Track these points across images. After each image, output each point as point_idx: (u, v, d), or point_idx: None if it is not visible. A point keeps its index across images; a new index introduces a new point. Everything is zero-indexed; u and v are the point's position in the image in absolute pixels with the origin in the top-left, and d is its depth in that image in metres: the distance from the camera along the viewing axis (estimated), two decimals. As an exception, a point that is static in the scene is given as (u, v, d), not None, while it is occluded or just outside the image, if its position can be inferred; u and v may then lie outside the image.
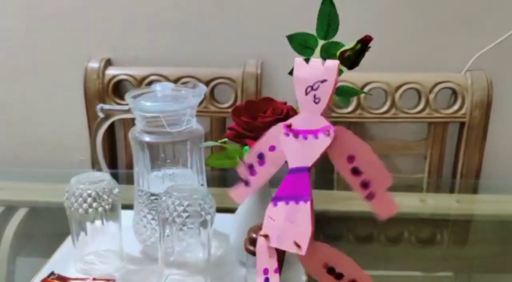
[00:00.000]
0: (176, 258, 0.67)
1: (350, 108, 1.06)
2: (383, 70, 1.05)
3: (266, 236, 0.49)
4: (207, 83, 1.07)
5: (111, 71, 1.09)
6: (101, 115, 0.74)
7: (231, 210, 0.71)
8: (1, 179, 1.05)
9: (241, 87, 1.07)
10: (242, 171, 0.51)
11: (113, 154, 1.16)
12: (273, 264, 0.51)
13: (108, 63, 1.11)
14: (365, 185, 0.45)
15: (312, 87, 0.45)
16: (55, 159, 1.18)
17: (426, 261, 0.79)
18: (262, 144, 0.50)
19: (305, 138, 0.46)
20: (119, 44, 1.11)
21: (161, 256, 0.65)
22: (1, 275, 0.75)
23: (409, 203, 0.95)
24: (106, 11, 1.09)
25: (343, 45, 0.56)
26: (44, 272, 0.68)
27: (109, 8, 1.09)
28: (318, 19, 0.56)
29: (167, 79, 1.07)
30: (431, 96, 1.05)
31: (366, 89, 1.04)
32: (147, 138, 0.70)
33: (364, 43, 0.54)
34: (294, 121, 0.47)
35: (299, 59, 0.47)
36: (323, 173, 0.97)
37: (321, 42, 0.57)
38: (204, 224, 0.63)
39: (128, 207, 0.74)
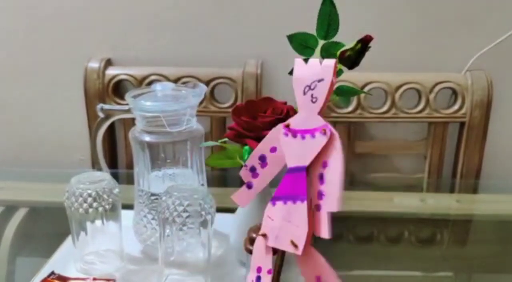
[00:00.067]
0: (176, 258, 0.67)
1: (350, 108, 1.06)
2: (383, 70, 1.05)
3: (264, 235, 0.50)
4: (207, 83, 1.07)
5: (111, 71, 1.09)
6: (101, 115, 0.74)
7: (231, 210, 0.71)
8: (1, 179, 1.05)
9: (241, 87, 1.07)
10: (244, 175, 0.51)
11: (113, 153, 1.16)
12: (267, 264, 0.51)
13: (108, 63, 1.11)
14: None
15: (309, 86, 0.45)
16: (55, 159, 1.18)
17: (426, 261, 0.79)
18: (263, 146, 0.50)
19: (303, 138, 0.46)
20: (119, 44, 1.11)
21: (161, 256, 0.65)
22: (1, 275, 0.75)
23: (409, 203, 0.95)
24: (106, 11, 1.09)
25: (343, 45, 0.56)
26: (44, 272, 0.68)
27: (109, 8, 1.09)
28: (318, 19, 0.56)
29: (167, 79, 1.07)
30: (431, 96, 1.05)
31: (366, 89, 1.04)
32: (147, 138, 0.70)
33: (364, 43, 0.54)
34: (292, 121, 0.47)
35: (299, 60, 0.47)
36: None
37: (321, 42, 0.57)
38: (204, 224, 0.63)
39: (128, 207, 0.74)
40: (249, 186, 0.51)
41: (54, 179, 1.01)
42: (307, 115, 0.46)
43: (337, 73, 0.54)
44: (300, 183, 0.47)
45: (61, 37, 1.11)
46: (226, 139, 0.65)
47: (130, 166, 1.04)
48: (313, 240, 0.48)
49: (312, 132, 0.46)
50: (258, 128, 0.61)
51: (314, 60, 0.46)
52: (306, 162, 0.46)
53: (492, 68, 1.05)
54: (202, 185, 0.74)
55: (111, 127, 1.14)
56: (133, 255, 0.73)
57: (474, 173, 1.09)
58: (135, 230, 0.74)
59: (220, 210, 0.66)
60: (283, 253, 0.51)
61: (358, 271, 0.78)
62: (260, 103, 0.65)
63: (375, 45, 0.56)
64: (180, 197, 0.61)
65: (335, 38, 0.57)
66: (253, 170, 0.51)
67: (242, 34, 1.08)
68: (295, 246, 0.47)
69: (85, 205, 0.64)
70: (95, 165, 0.79)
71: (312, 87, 0.45)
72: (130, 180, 0.77)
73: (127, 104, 0.71)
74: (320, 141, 0.45)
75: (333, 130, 0.45)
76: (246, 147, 0.62)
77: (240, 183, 0.53)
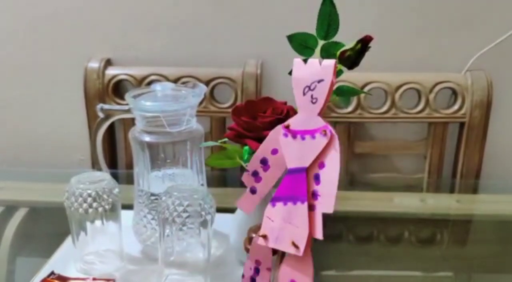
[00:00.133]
0: (176, 258, 0.68)
1: (350, 108, 1.06)
2: (383, 70, 1.05)
3: (264, 237, 0.49)
4: (207, 83, 1.07)
5: (111, 71, 1.09)
6: (101, 115, 0.74)
7: (231, 210, 0.71)
8: (1, 179, 1.05)
9: (241, 87, 1.07)
10: (247, 180, 0.51)
11: (113, 154, 1.16)
12: (267, 262, 0.51)
13: (108, 63, 1.10)
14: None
15: (309, 87, 0.45)
16: (55, 159, 1.18)
17: (426, 261, 0.79)
18: (263, 148, 0.50)
19: (303, 138, 0.46)
20: (119, 44, 1.11)
21: (161, 256, 0.65)
22: (1, 275, 0.75)
23: (409, 203, 0.95)
24: (106, 11, 1.09)
25: (343, 45, 0.56)
26: (44, 272, 0.68)
27: (109, 8, 1.09)
28: (318, 19, 0.56)
29: (167, 79, 1.07)
30: (431, 96, 1.05)
31: (366, 89, 1.04)
32: (147, 138, 0.70)
33: (364, 43, 0.54)
34: (292, 122, 0.47)
35: (298, 60, 0.47)
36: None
37: (321, 42, 0.57)
38: (204, 224, 0.63)
39: (128, 207, 0.74)
40: (253, 191, 0.51)
41: (54, 179, 1.01)
42: (307, 116, 0.46)
43: (337, 73, 0.54)
44: (300, 184, 0.47)
45: (61, 37, 1.11)
46: (226, 139, 0.65)
47: (130, 166, 1.04)
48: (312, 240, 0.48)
49: (312, 133, 0.46)
50: (258, 129, 0.61)
51: (313, 61, 0.45)
52: (306, 163, 0.46)
53: (492, 68, 1.05)
54: (202, 185, 0.74)
55: (111, 127, 1.14)
56: (133, 255, 0.73)
57: (474, 173, 1.09)
58: (135, 230, 0.74)
59: (220, 210, 0.66)
60: (283, 253, 0.51)
61: (358, 271, 0.78)
62: (260, 103, 0.65)
63: (375, 45, 0.56)
64: (180, 197, 0.61)
65: (335, 38, 0.57)
66: (255, 174, 0.50)
67: (242, 34, 1.08)
68: (296, 247, 0.47)
69: (85, 205, 0.64)
70: (95, 165, 0.79)
71: (312, 88, 0.45)
72: (130, 180, 0.77)
73: (127, 104, 0.71)
74: (320, 142, 0.45)
75: (333, 132, 0.45)
76: (246, 147, 0.62)
77: (240, 183, 0.53)
